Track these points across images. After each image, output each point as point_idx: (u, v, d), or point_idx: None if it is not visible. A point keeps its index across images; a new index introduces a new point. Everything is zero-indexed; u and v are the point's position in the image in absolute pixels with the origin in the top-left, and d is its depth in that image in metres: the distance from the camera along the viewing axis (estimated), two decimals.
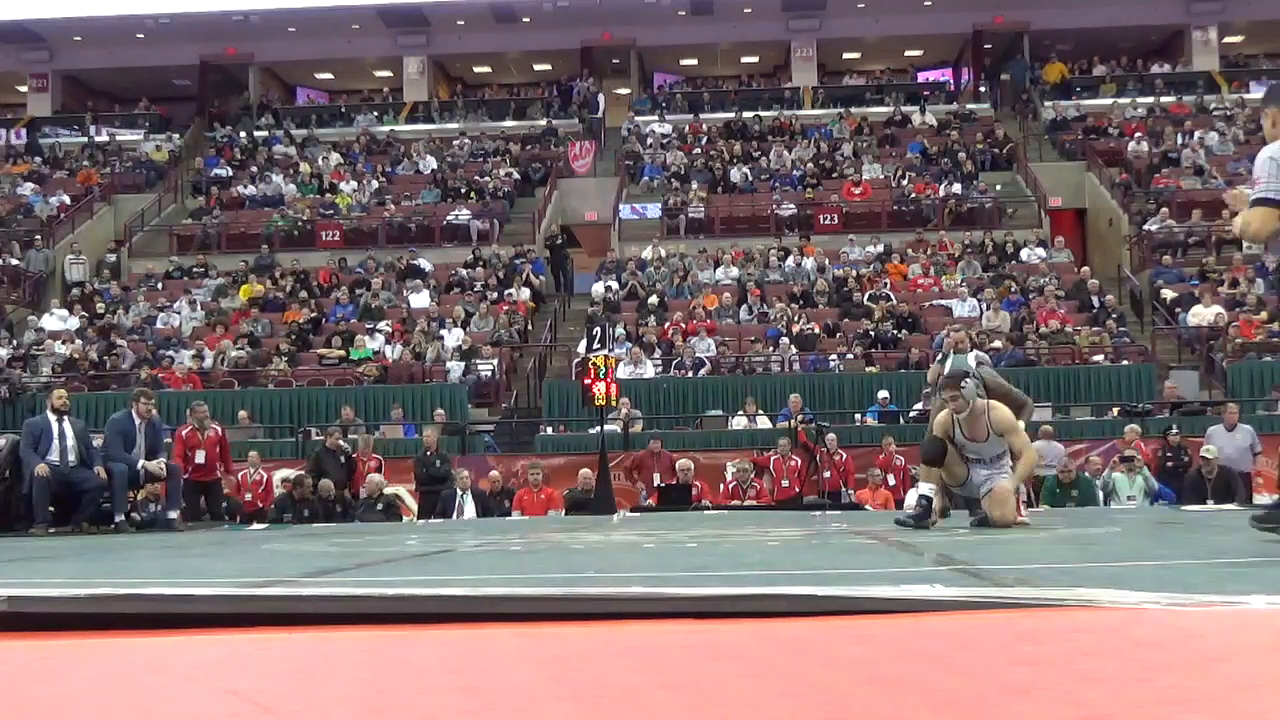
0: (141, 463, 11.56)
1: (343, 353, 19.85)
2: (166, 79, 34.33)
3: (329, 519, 13.38)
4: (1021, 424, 8.14)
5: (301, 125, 31.76)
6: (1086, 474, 14.10)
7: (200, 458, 12.65)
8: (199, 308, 22.27)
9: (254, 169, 28.80)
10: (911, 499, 14.43)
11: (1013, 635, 2.25)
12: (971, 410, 7.82)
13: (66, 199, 27.81)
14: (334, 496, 13.84)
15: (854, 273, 22.14)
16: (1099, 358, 18.60)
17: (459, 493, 14.10)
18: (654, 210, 26.00)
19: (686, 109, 31.35)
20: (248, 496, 14.94)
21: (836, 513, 12.71)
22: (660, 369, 19.00)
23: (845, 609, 2.53)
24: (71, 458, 11.25)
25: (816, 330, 19.86)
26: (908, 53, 34.56)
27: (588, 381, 14.68)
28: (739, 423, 17.25)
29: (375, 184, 27.63)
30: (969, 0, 31.28)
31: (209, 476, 12.86)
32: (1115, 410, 16.85)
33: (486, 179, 27.30)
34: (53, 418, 11.39)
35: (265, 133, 31.36)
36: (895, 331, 19.59)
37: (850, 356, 19.07)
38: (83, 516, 11.11)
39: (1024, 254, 22.94)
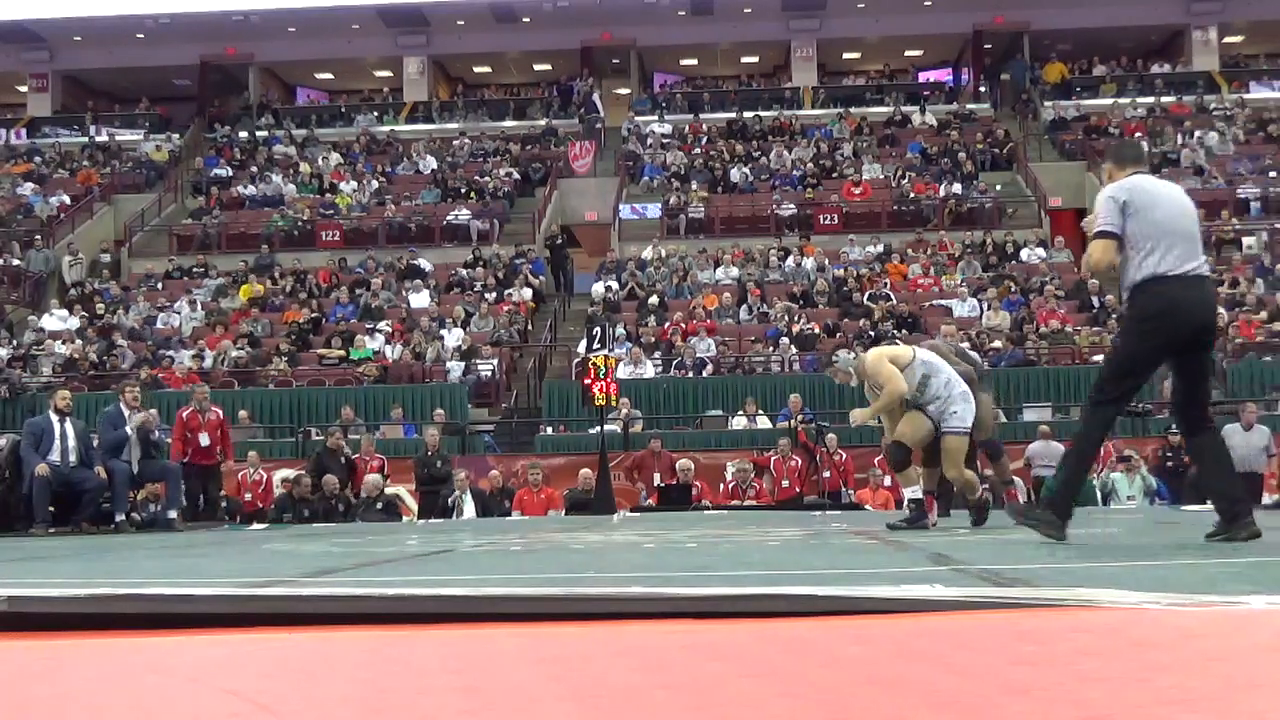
0: (130, 427, 11.50)
1: (343, 353, 19.85)
2: (166, 79, 34.34)
3: (329, 519, 13.39)
4: (883, 364, 7.89)
5: (301, 125, 31.77)
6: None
7: (204, 440, 12.59)
8: (199, 308, 22.27)
9: (254, 169, 28.81)
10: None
11: (1013, 635, 2.25)
12: (858, 375, 8.10)
13: (66, 199, 27.82)
14: (334, 496, 13.84)
15: (854, 273, 22.14)
16: (1099, 358, 18.57)
17: (459, 493, 14.10)
18: (654, 210, 26.01)
19: (686, 109, 31.35)
20: (248, 496, 14.95)
21: (836, 513, 12.72)
22: (660, 369, 19.00)
23: (845, 609, 2.53)
24: (72, 458, 11.27)
25: (816, 330, 19.85)
26: (908, 53, 34.57)
27: (588, 381, 14.69)
28: (739, 423, 17.25)
29: (375, 184, 27.64)
30: (969, 0, 31.29)
31: (210, 460, 12.79)
32: None
33: (486, 179, 27.31)
34: (55, 418, 11.41)
35: (265, 133, 31.37)
36: (895, 331, 19.58)
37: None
38: (82, 516, 11.12)
39: (1024, 254, 22.94)
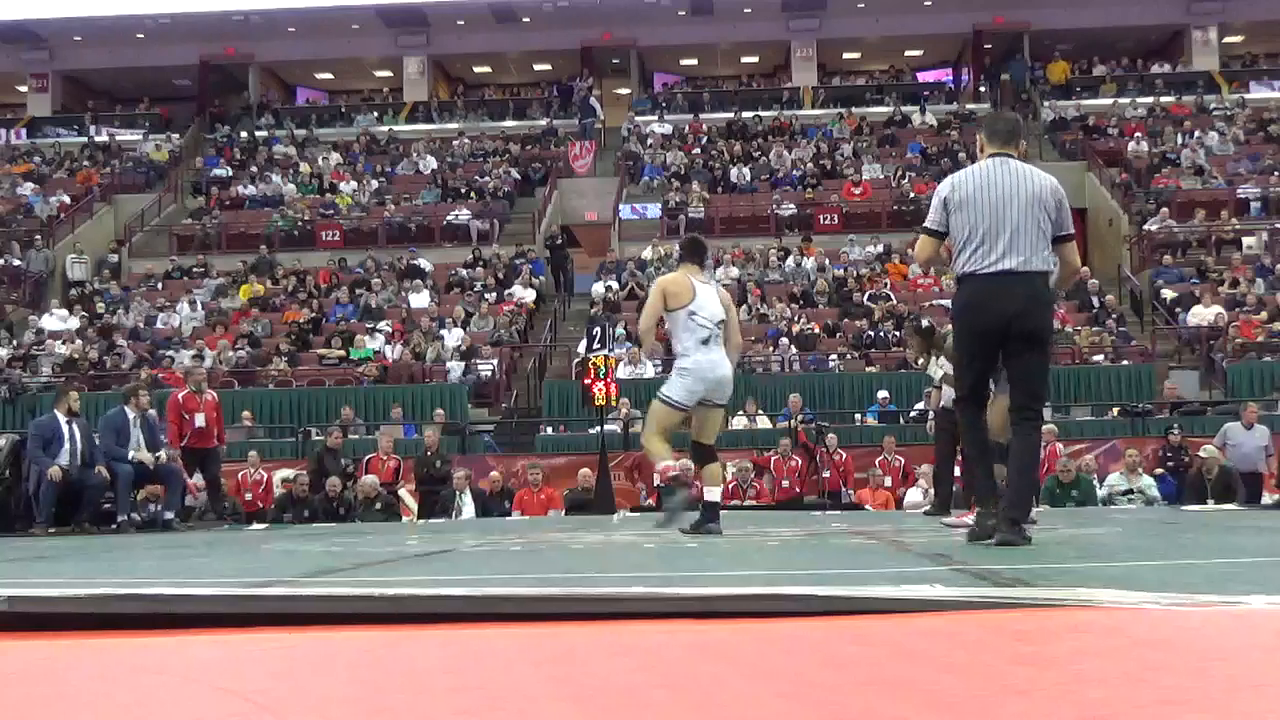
0: (133, 454, 11.46)
1: (343, 353, 19.85)
2: (166, 79, 34.34)
3: (329, 519, 13.38)
4: (654, 296, 7.33)
5: (301, 125, 31.77)
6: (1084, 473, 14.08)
7: (200, 420, 12.26)
8: (199, 308, 22.27)
9: (254, 169, 28.81)
10: (911, 498, 14.48)
11: (1013, 635, 2.25)
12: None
13: (66, 199, 27.83)
14: (335, 496, 13.84)
15: (854, 273, 22.14)
16: (1099, 358, 18.59)
17: (459, 493, 14.10)
18: (654, 210, 26.00)
19: (686, 109, 31.35)
20: (248, 496, 14.94)
21: (836, 513, 12.72)
22: (660, 369, 18.97)
23: (845, 609, 2.53)
24: (79, 460, 11.25)
25: (816, 330, 19.85)
26: (908, 53, 34.57)
27: (588, 381, 14.69)
28: (739, 423, 17.23)
29: (375, 184, 27.65)
30: (969, 0, 31.29)
31: (207, 443, 12.44)
32: (1115, 410, 16.84)
33: (486, 179, 27.31)
34: (63, 419, 11.35)
35: (265, 133, 31.37)
36: (895, 331, 19.59)
37: (850, 356, 19.07)
38: (83, 516, 11.10)
39: None
